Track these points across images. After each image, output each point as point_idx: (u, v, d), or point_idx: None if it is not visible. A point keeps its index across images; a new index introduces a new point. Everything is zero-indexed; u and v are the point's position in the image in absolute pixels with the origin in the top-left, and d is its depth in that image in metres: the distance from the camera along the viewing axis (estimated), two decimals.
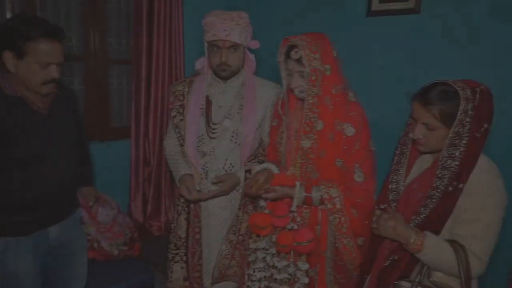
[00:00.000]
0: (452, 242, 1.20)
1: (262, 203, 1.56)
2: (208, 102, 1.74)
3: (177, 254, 1.86)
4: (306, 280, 1.52)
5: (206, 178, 1.72)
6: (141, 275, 2.36)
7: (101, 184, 2.84)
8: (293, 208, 1.49)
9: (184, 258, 1.85)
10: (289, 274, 1.52)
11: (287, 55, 1.45)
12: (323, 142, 1.46)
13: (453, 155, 1.18)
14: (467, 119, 1.16)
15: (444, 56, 2.17)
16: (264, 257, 1.58)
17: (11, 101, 1.38)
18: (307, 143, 1.48)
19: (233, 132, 1.70)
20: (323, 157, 1.48)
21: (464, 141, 1.17)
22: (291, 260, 1.51)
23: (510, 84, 1.94)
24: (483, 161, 1.21)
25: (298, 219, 1.52)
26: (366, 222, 1.49)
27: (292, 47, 1.43)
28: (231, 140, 1.70)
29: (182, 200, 1.79)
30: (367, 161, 1.47)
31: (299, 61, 1.41)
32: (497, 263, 2.01)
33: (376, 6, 2.38)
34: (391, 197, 1.38)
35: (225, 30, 1.55)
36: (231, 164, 1.72)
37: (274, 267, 1.55)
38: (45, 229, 1.55)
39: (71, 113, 1.62)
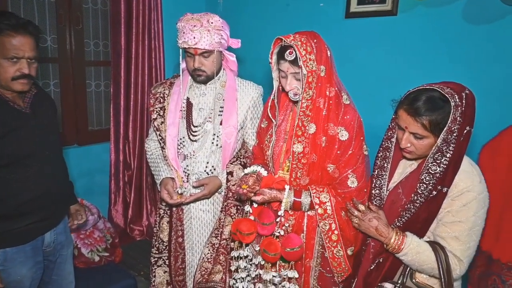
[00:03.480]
0: (433, 243, 1.21)
1: (247, 208, 1.51)
2: (189, 104, 1.73)
3: (159, 258, 1.84)
4: None
5: (187, 181, 1.71)
6: (123, 281, 2.32)
7: (80, 189, 2.79)
8: (281, 212, 1.44)
9: (167, 262, 1.83)
10: (274, 285, 1.44)
11: (280, 56, 1.39)
12: (315, 146, 1.40)
13: (439, 161, 1.18)
14: (456, 126, 1.15)
15: (420, 57, 2.23)
16: (245, 267, 1.52)
17: None
18: (299, 147, 1.41)
19: (214, 134, 1.69)
20: (315, 161, 1.42)
21: (451, 147, 1.17)
22: (281, 271, 1.44)
23: (484, 83, 2.00)
24: (465, 163, 1.21)
25: (286, 224, 1.46)
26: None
27: (285, 47, 1.36)
28: (212, 143, 1.69)
29: (164, 203, 1.77)
30: (360, 166, 1.41)
31: (293, 62, 1.34)
32: None
33: (354, 8, 2.41)
34: (375, 203, 1.38)
35: (194, 38, 1.53)
36: (212, 166, 1.71)
37: (259, 279, 1.49)
38: (42, 235, 1.55)
39: (52, 113, 1.61)
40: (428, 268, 1.21)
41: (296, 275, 1.44)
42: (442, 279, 1.17)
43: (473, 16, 2.04)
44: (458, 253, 1.18)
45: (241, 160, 1.71)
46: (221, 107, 1.70)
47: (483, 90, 2.01)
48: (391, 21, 2.30)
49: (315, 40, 1.36)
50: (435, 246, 1.20)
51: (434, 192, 1.19)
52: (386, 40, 2.34)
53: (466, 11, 2.06)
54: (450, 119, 1.14)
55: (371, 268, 1.35)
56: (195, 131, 1.70)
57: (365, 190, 1.42)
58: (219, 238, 1.73)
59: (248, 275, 1.54)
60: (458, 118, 1.14)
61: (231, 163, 1.69)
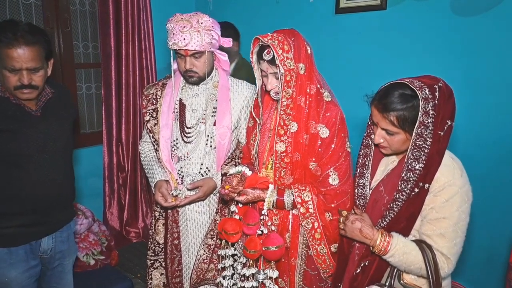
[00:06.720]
0: (419, 242, 1.18)
1: (233, 208, 1.51)
2: (182, 106, 1.71)
3: (156, 260, 1.83)
4: None
5: (182, 183, 1.69)
6: (120, 284, 2.31)
7: None
8: (264, 211, 1.44)
9: (164, 264, 1.82)
10: (257, 281, 1.45)
11: (259, 56, 1.39)
12: (297, 144, 1.40)
13: (418, 157, 1.15)
14: (429, 120, 1.12)
15: (411, 50, 2.24)
16: (232, 265, 1.53)
17: (2, 101, 1.41)
18: (282, 146, 1.40)
19: (208, 135, 1.67)
20: (298, 160, 1.41)
21: (428, 142, 1.13)
22: (261, 268, 1.45)
23: (473, 74, 2.01)
24: (446, 157, 1.18)
25: (269, 223, 1.46)
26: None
27: (264, 47, 1.36)
28: (206, 144, 1.68)
29: (159, 206, 1.76)
30: (343, 163, 1.39)
31: (272, 61, 1.34)
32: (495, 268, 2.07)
33: (344, 3, 2.42)
34: (358, 203, 1.35)
35: (184, 39, 1.50)
36: (207, 168, 1.69)
37: (243, 276, 1.49)
38: (36, 240, 1.53)
39: (66, 118, 1.60)
40: (416, 268, 1.17)
41: (275, 275, 1.44)
42: (430, 279, 1.13)
43: (461, 8, 2.05)
44: (445, 251, 1.15)
45: (236, 161, 1.69)
46: (214, 108, 1.69)
47: (472, 81, 2.03)
48: (381, 15, 2.31)
49: (292, 38, 1.34)
50: (422, 245, 1.17)
51: (416, 190, 1.16)
52: (376, 34, 2.35)
53: (454, 3, 2.07)
54: (420, 113, 1.12)
55: (357, 272, 1.31)
56: (189, 133, 1.68)
57: (349, 190, 1.41)
58: (214, 238, 1.72)
59: (234, 273, 1.55)
60: (430, 111, 1.11)
61: (226, 164, 1.67)
